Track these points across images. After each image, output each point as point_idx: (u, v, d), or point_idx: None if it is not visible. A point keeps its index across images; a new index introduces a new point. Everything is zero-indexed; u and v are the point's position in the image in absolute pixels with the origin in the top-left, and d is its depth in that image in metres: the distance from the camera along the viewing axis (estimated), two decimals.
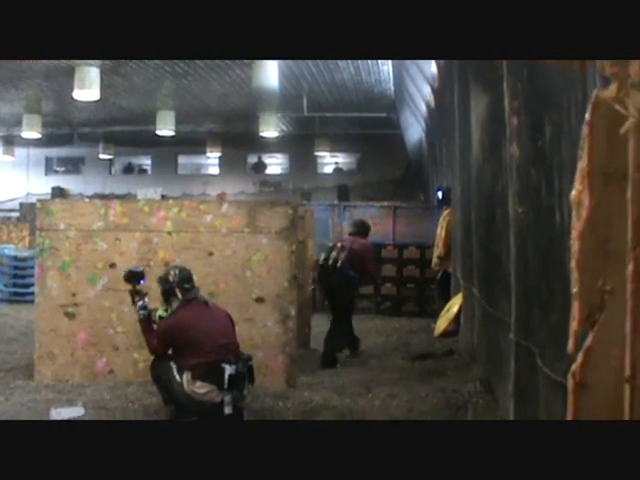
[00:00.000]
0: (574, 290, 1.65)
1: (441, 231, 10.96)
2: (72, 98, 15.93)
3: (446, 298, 10.68)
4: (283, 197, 23.70)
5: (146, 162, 29.72)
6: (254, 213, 7.01)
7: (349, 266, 8.51)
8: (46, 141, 24.19)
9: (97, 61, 14.44)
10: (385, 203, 15.44)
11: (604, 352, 1.60)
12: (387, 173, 25.83)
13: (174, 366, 5.75)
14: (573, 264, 1.64)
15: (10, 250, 14.98)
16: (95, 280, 7.08)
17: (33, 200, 15.94)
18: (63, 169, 29.64)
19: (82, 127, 24.08)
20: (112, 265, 7.05)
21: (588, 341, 1.63)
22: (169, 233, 7.06)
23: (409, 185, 24.93)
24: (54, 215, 7.14)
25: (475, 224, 7.03)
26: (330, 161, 28.01)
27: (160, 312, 5.99)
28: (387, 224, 13.93)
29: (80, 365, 7.06)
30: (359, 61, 15.05)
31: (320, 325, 10.05)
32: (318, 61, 15.05)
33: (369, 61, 14.99)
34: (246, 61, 14.47)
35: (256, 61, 13.98)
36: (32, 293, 8.98)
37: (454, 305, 9.73)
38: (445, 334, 9.89)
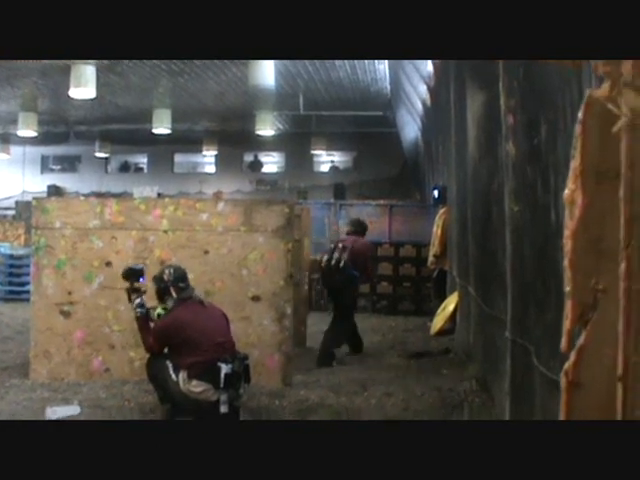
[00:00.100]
0: (567, 289, 1.66)
1: (437, 229, 10.97)
2: (68, 96, 15.91)
3: (442, 297, 10.69)
4: (279, 195, 23.70)
5: (142, 160, 29.70)
6: (250, 212, 7.01)
7: (352, 265, 8.58)
8: (42, 139, 24.15)
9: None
10: (381, 201, 15.48)
11: (597, 351, 1.61)
12: (383, 171, 25.84)
13: (170, 365, 5.75)
14: (566, 263, 1.64)
15: (5, 248, 14.95)
16: (91, 278, 7.07)
17: (29, 198, 15.90)
18: (59, 167, 29.61)
19: (78, 125, 24.06)
20: (108, 263, 7.05)
21: (581, 340, 1.64)
22: (165, 231, 7.05)
23: (405, 183, 24.96)
24: (50, 213, 7.13)
25: (471, 222, 7.04)
26: (326, 159, 28.02)
27: (159, 310, 5.97)
28: (383, 222, 13.96)
29: (76, 364, 7.05)
30: (355, 60, 15.05)
31: (316, 324, 10.06)
32: (314, 60, 15.04)
33: (365, 60, 14.99)
34: (242, 60, 14.47)
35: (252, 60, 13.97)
36: (28, 291, 8.96)
37: (450, 304, 9.74)
38: (441, 333, 9.90)
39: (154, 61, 15.22)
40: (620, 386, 1.54)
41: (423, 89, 12.55)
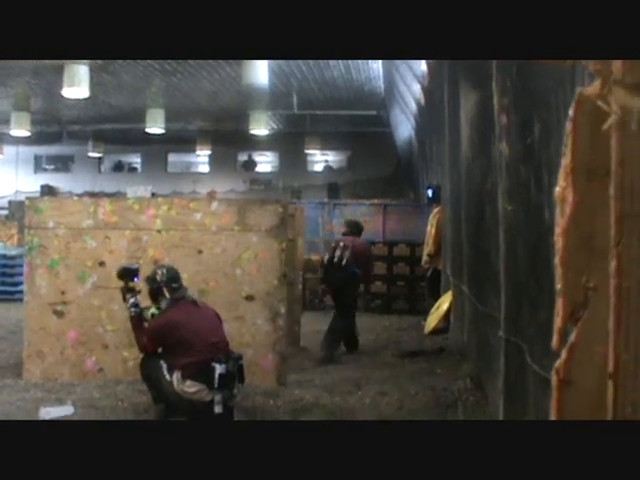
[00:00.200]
0: (558, 287, 1.66)
1: (431, 229, 10.98)
2: (61, 96, 15.87)
3: (436, 296, 10.71)
4: (273, 195, 23.71)
5: (136, 160, 29.66)
6: (244, 211, 7.01)
7: (354, 264, 8.76)
8: (35, 139, 24.08)
9: None
10: (375, 201, 15.49)
11: (588, 349, 1.61)
12: (377, 171, 25.86)
13: (164, 365, 5.74)
14: (557, 261, 1.65)
15: None
16: (84, 278, 7.06)
17: (22, 198, 15.85)
18: (52, 167, 29.54)
19: (71, 125, 24.00)
20: (101, 263, 7.04)
21: (572, 338, 1.64)
22: (159, 231, 7.04)
23: (399, 183, 24.98)
24: (43, 213, 7.11)
25: (465, 221, 7.05)
26: (320, 159, 28.02)
27: (153, 310, 5.97)
28: (377, 222, 13.98)
29: (69, 364, 7.04)
30: (349, 60, 15.05)
31: (310, 323, 10.07)
32: (308, 60, 15.04)
33: (359, 60, 15.00)
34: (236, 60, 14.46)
35: None
36: (21, 291, 8.93)
37: (444, 303, 9.75)
38: (435, 332, 9.91)
39: (147, 60, 15.19)
40: (611, 384, 1.54)
41: (417, 88, 12.56)
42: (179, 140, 25.04)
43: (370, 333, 10.35)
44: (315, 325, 10.26)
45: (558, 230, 1.64)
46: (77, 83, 14.84)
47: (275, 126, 23.39)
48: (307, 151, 25.42)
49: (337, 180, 26.60)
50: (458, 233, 7.66)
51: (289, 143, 25.29)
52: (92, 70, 15.09)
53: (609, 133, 1.53)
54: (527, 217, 3.82)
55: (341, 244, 8.94)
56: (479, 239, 6.01)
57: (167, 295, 5.83)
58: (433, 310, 10.33)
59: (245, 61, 14.06)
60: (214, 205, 7.13)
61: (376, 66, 15.70)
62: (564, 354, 1.65)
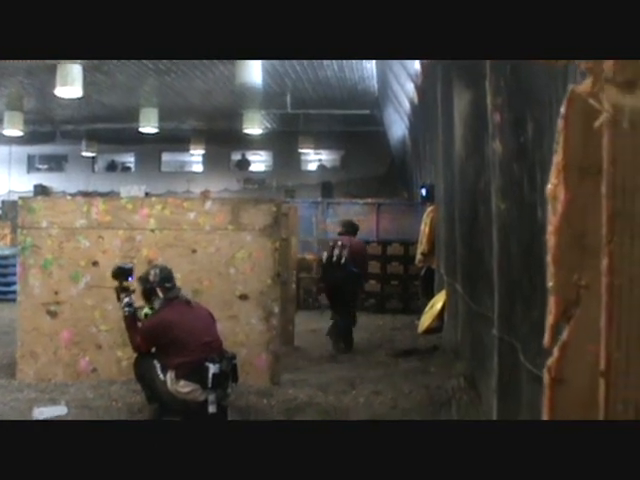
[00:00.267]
0: (550, 284, 1.66)
1: (425, 228, 10.98)
2: (54, 95, 15.81)
3: (430, 295, 10.71)
4: (267, 194, 23.71)
5: (129, 160, 29.59)
6: (238, 210, 7.00)
7: (352, 263, 8.95)
8: (28, 138, 24.01)
9: None
10: (369, 200, 15.49)
11: (579, 347, 1.61)
12: (371, 170, 25.86)
13: (157, 365, 5.73)
14: (549, 259, 1.65)
15: None
16: (78, 278, 7.04)
17: (15, 198, 15.79)
18: (46, 167, 29.44)
19: (65, 125, 23.92)
20: (95, 263, 7.02)
21: (564, 336, 1.65)
22: (152, 231, 7.03)
23: (393, 182, 24.98)
24: (36, 213, 7.09)
25: (458, 220, 7.05)
26: (314, 158, 28.01)
27: (146, 310, 5.96)
28: (371, 221, 13.98)
29: (63, 364, 7.02)
30: (343, 60, 15.05)
31: (303, 322, 10.07)
32: (302, 60, 15.03)
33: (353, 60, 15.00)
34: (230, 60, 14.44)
35: None
36: (14, 292, 8.92)
37: (438, 302, 9.75)
38: (429, 331, 9.91)
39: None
40: (602, 382, 1.55)
41: (410, 87, 12.56)
42: (173, 139, 24.99)
43: (364, 332, 10.36)
44: (309, 324, 10.27)
45: (550, 228, 1.64)
46: (70, 82, 14.79)
47: (269, 125, 23.38)
48: (301, 150, 25.42)
49: (331, 179, 26.59)
50: (452, 232, 7.66)
51: (283, 142, 25.28)
52: (85, 69, 15.04)
53: (601, 131, 1.53)
54: (520, 215, 3.82)
55: (339, 243, 9.08)
56: (473, 238, 6.01)
57: (160, 295, 5.82)
58: (427, 309, 10.33)
59: (239, 61, 14.05)
60: (208, 204, 7.13)
61: (370, 65, 15.70)
62: (556, 352, 1.65)
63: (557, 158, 1.60)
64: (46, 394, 6.49)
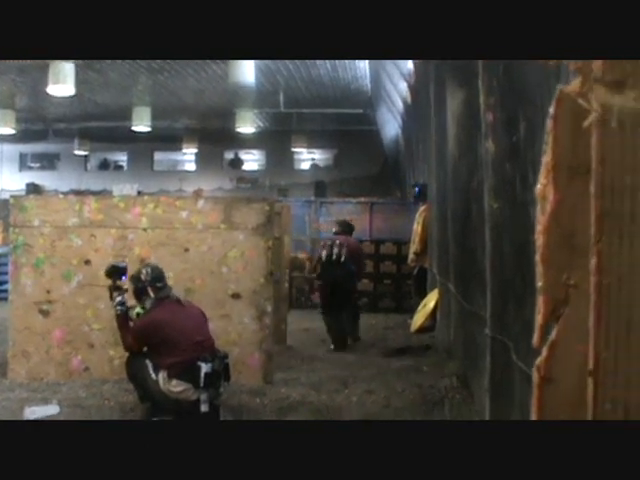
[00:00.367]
0: (539, 284, 1.67)
1: (417, 227, 10.99)
2: (46, 93, 15.75)
3: (422, 294, 10.72)
4: (260, 193, 23.68)
5: (122, 158, 29.50)
6: (230, 209, 7.00)
7: (351, 261, 9.14)
8: (20, 137, 23.90)
9: None
10: (362, 199, 15.46)
11: (568, 346, 1.62)
12: (364, 169, 25.85)
13: (150, 364, 5.72)
14: (538, 258, 1.66)
15: None
16: (70, 277, 7.03)
17: (7, 196, 15.75)
18: (38, 165, 29.31)
19: (57, 123, 23.83)
20: (87, 262, 7.01)
21: (553, 335, 1.65)
22: (145, 229, 7.02)
23: (386, 181, 24.97)
24: (28, 211, 7.07)
25: (451, 220, 7.06)
26: (307, 157, 27.98)
27: (138, 309, 5.95)
28: (364, 220, 13.96)
29: (55, 363, 7.01)
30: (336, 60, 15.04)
31: (296, 321, 10.07)
32: (295, 59, 15.02)
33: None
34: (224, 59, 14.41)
35: None
36: (6, 290, 8.88)
37: (430, 301, 9.77)
38: (422, 330, 9.93)
39: None
40: (591, 381, 1.56)
41: (403, 87, 12.57)
42: (165, 138, 24.93)
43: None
44: (302, 323, 10.27)
45: (539, 228, 1.64)
46: (62, 80, 14.72)
47: (262, 124, 23.36)
48: (294, 149, 25.37)
49: (324, 178, 26.57)
50: (444, 231, 7.67)
51: (276, 141, 25.24)
52: (78, 67, 14.98)
53: (590, 131, 1.54)
54: (513, 215, 3.83)
55: (337, 242, 9.19)
56: (465, 237, 6.02)
57: (152, 294, 5.82)
58: (419, 308, 10.35)
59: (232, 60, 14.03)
60: (200, 203, 7.12)
61: (363, 65, 15.70)
62: (545, 351, 1.66)
63: (546, 158, 1.61)
64: (38, 393, 6.47)
